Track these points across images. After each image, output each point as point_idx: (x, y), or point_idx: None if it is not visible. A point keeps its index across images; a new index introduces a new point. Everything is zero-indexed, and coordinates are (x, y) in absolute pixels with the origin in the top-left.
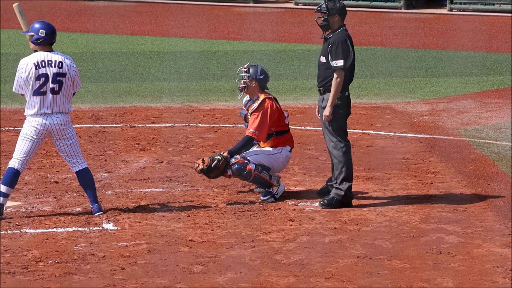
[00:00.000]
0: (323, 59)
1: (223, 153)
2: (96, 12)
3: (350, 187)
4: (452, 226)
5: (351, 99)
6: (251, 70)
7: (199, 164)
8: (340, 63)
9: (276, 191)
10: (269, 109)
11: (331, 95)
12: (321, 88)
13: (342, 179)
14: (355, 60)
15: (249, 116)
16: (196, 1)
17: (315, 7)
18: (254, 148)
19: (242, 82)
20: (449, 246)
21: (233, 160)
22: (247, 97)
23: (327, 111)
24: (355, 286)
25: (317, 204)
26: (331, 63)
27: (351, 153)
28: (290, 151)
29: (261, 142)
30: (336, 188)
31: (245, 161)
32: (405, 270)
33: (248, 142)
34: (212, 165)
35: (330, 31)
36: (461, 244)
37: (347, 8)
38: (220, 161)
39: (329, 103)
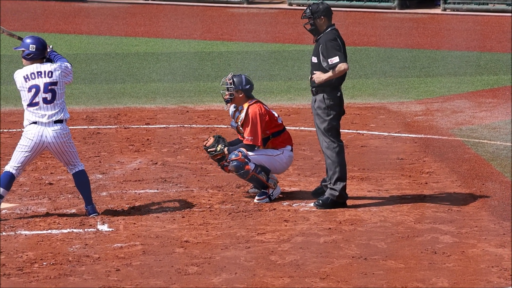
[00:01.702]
0: (314, 59)
1: (225, 148)
2: (90, 13)
3: (344, 187)
4: (447, 226)
5: (343, 99)
6: (235, 81)
7: (207, 141)
8: (336, 59)
9: (272, 193)
10: (257, 115)
11: (327, 75)
12: (313, 89)
13: (336, 179)
14: (346, 58)
15: (240, 128)
16: (190, 2)
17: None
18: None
19: (227, 93)
20: (444, 246)
21: (233, 156)
22: (232, 108)
23: (320, 78)
24: (350, 286)
25: (312, 204)
26: (323, 63)
27: (344, 153)
28: (291, 150)
29: (260, 146)
30: (331, 188)
31: (246, 160)
32: (400, 270)
33: (246, 148)
34: (208, 150)
35: (319, 33)
36: (456, 244)
37: (341, 9)
38: (216, 152)
39: (324, 76)
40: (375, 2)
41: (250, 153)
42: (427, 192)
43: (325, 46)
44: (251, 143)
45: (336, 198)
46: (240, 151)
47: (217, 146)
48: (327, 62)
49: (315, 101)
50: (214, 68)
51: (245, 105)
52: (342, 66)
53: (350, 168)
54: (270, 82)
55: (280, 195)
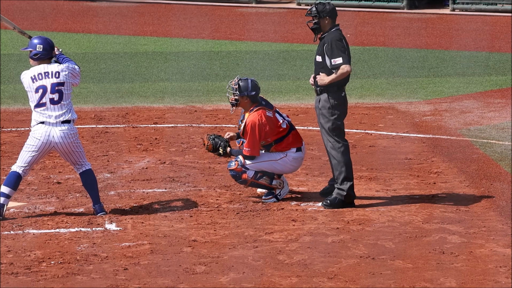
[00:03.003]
0: (319, 58)
1: (228, 148)
2: (98, 12)
3: (351, 186)
4: (455, 226)
5: (347, 100)
6: (241, 86)
7: (205, 145)
8: (339, 60)
9: (279, 192)
10: (256, 126)
11: (332, 77)
12: (318, 89)
13: (342, 179)
14: (350, 60)
15: (242, 137)
16: (199, 2)
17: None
18: (262, 152)
19: (233, 98)
20: (452, 246)
21: (231, 166)
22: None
23: (323, 81)
24: (358, 286)
25: (320, 204)
26: (327, 62)
27: (349, 153)
28: (298, 150)
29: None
30: (338, 188)
31: (243, 169)
32: (408, 270)
33: (246, 158)
34: (214, 154)
35: (322, 33)
36: (464, 244)
37: (350, 8)
38: (221, 155)
39: (328, 79)
40: (384, 2)
41: (248, 161)
42: (435, 192)
43: (330, 46)
44: (248, 154)
45: (343, 198)
46: (237, 160)
47: (220, 149)
48: (330, 62)
49: (319, 101)
50: (223, 67)
51: (246, 115)
52: (345, 68)
53: (358, 168)
54: (279, 82)
55: (288, 195)
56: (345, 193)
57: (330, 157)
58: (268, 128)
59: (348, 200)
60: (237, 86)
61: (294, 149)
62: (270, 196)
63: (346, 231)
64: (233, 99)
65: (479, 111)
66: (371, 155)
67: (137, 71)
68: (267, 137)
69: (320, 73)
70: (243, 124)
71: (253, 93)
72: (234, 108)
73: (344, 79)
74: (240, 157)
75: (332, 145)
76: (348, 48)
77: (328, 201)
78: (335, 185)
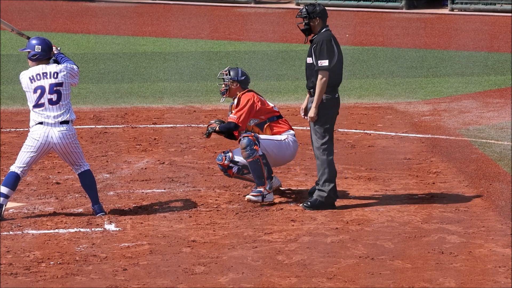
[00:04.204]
0: (309, 60)
1: (217, 127)
2: (97, 13)
3: (333, 188)
4: (454, 226)
5: (340, 101)
6: (232, 73)
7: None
8: (325, 63)
9: (266, 195)
10: (248, 100)
11: (316, 95)
12: (311, 90)
13: (324, 180)
14: (342, 61)
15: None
16: (198, 2)
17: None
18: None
19: (223, 85)
20: (451, 246)
21: (219, 161)
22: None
23: (312, 113)
24: (357, 286)
25: (300, 205)
26: (315, 63)
27: (333, 155)
28: (294, 135)
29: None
30: (319, 189)
31: (256, 141)
32: (407, 270)
33: (230, 126)
34: (208, 125)
35: (312, 34)
36: (463, 244)
37: (349, 8)
38: (210, 124)
39: (314, 104)
40: (383, 2)
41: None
42: (434, 192)
43: (319, 47)
44: (235, 121)
45: (324, 199)
46: (225, 155)
47: (215, 122)
48: (317, 63)
49: (312, 102)
50: (222, 67)
51: (238, 94)
52: (323, 78)
53: (357, 168)
54: (278, 82)
55: (287, 196)
56: (325, 195)
57: (315, 157)
58: (260, 105)
59: (328, 202)
60: (227, 72)
61: (292, 132)
62: (257, 193)
63: (345, 231)
64: (224, 87)
65: (478, 111)
66: (370, 155)
67: (136, 72)
68: (260, 114)
69: (308, 111)
70: (236, 99)
71: (243, 78)
72: (224, 96)
73: (335, 79)
74: (230, 154)
75: (318, 146)
76: (339, 48)
77: (309, 203)
78: (317, 186)
